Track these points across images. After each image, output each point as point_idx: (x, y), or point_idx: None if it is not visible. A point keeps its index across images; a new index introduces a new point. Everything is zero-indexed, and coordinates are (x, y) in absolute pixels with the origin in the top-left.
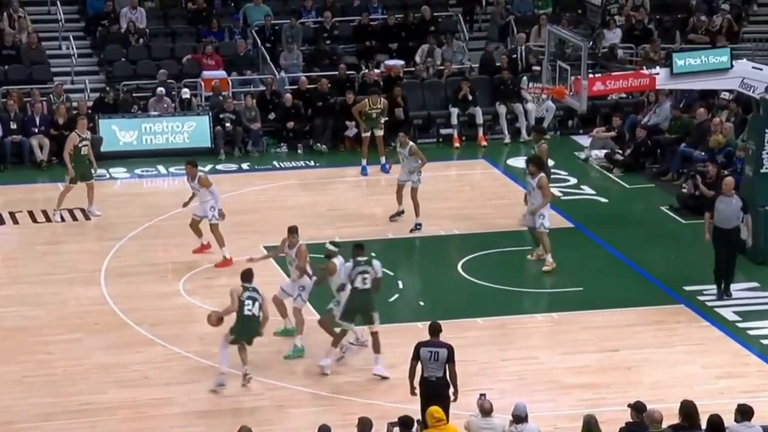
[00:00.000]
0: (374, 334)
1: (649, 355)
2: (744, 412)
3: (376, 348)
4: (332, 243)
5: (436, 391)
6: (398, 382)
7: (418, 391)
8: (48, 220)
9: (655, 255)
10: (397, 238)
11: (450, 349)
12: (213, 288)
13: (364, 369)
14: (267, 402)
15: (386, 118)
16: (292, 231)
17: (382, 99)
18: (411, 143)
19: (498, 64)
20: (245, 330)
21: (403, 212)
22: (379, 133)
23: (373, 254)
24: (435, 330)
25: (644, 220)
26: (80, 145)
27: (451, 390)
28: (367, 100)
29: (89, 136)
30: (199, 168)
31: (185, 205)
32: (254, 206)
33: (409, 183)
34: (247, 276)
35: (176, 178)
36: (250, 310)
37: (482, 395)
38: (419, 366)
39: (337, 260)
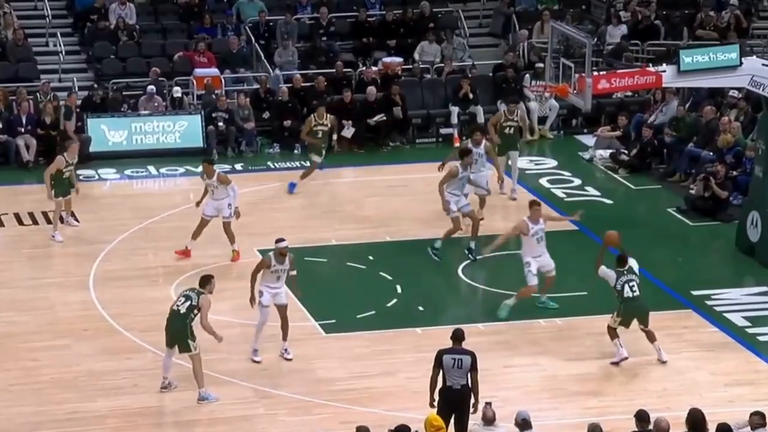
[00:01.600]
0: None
1: (656, 361)
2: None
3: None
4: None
5: (460, 399)
6: (396, 390)
7: (436, 401)
8: (35, 222)
9: (662, 258)
10: (395, 241)
11: (474, 357)
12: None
13: (362, 376)
14: (261, 410)
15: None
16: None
17: (328, 115)
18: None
19: (500, 61)
20: (167, 326)
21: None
22: (317, 159)
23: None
24: (458, 337)
25: (651, 222)
26: (64, 169)
27: (472, 400)
28: (312, 116)
29: (76, 161)
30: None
31: (198, 204)
32: (248, 208)
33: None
34: (203, 280)
35: (167, 179)
36: (177, 305)
37: (488, 404)
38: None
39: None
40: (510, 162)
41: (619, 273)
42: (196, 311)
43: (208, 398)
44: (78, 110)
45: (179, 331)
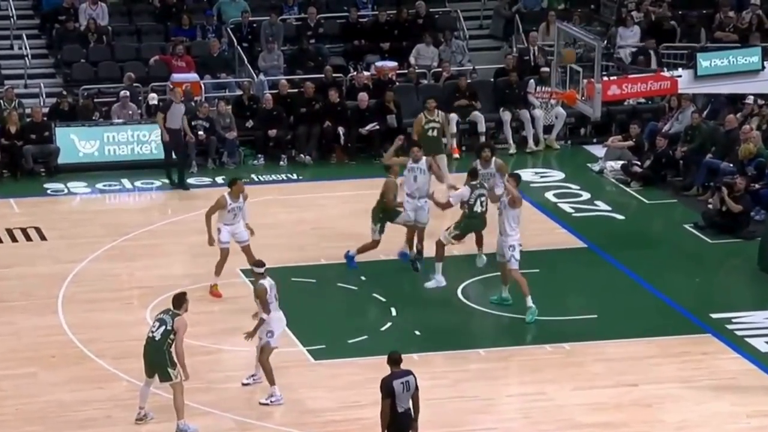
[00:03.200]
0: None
1: (672, 390)
2: (394, 361)
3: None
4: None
5: (407, 424)
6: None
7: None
8: None
9: (679, 278)
10: (389, 260)
11: (415, 376)
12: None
13: (353, 406)
14: None
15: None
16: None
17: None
18: (495, 158)
19: (502, 65)
20: (145, 355)
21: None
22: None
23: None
24: (397, 360)
25: (666, 239)
26: None
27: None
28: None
29: None
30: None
31: (212, 242)
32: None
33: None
34: (176, 300)
35: (142, 193)
36: (152, 332)
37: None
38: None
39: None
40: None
41: (473, 187)
42: (172, 336)
43: (188, 430)
44: (45, 119)
45: (157, 360)
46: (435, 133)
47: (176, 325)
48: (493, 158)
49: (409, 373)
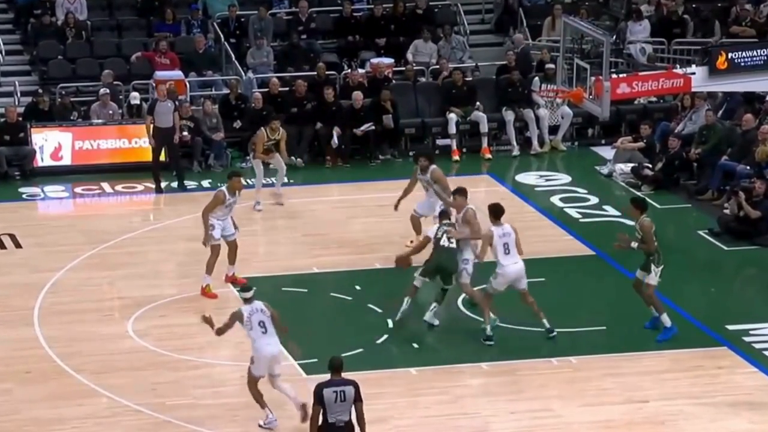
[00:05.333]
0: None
1: (686, 407)
2: (333, 368)
3: None
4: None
5: None
6: None
7: None
8: None
9: (693, 288)
10: (386, 269)
11: (356, 386)
12: (167, 328)
13: None
14: None
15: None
16: None
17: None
18: (434, 165)
19: (505, 62)
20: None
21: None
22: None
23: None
24: (336, 367)
25: (679, 246)
26: None
27: None
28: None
29: None
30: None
31: (206, 242)
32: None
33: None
34: None
35: (123, 197)
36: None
37: None
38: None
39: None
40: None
41: (440, 225)
42: None
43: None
44: (20, 119)
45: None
46: (270, 149)
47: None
48: (431, 167)
49: (348, 383)
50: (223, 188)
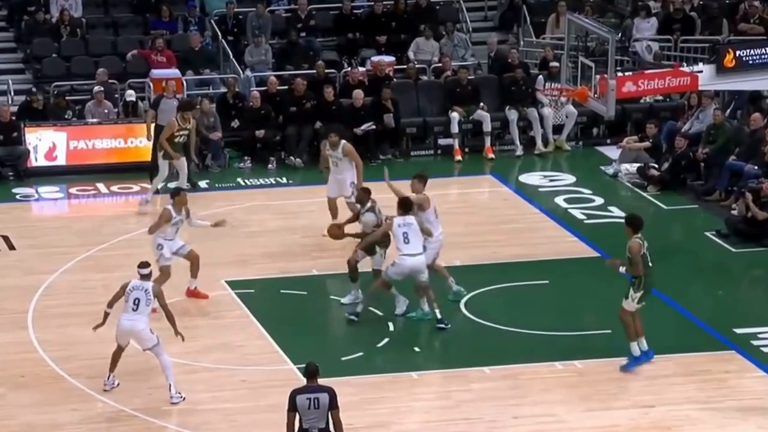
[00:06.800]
0: None
1: (693, 412)
2: (309, 373)
3: None
4: None
5: None
6: None
7: None
8: None
9: (700, 291)
10: None
11: (332, 393)
12: (164, 331)
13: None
14: None
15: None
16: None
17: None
18: (344, 140)
19: (509, 60)
20: None
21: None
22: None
23: None
24: (312, 372)
25: (686, 248)
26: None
27: None
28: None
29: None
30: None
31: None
32: (212, 233)
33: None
34: None
35: (119, 198)
36: None
37: None
38: (297, 418)
39: None
40: (178, 170)
41: (372, 209)
42: None
43: None
44: (13, 118)
45: None
46: (183, 140)
47: None
48: (342, 142)
49: (323, 389)
50: (169, 206)
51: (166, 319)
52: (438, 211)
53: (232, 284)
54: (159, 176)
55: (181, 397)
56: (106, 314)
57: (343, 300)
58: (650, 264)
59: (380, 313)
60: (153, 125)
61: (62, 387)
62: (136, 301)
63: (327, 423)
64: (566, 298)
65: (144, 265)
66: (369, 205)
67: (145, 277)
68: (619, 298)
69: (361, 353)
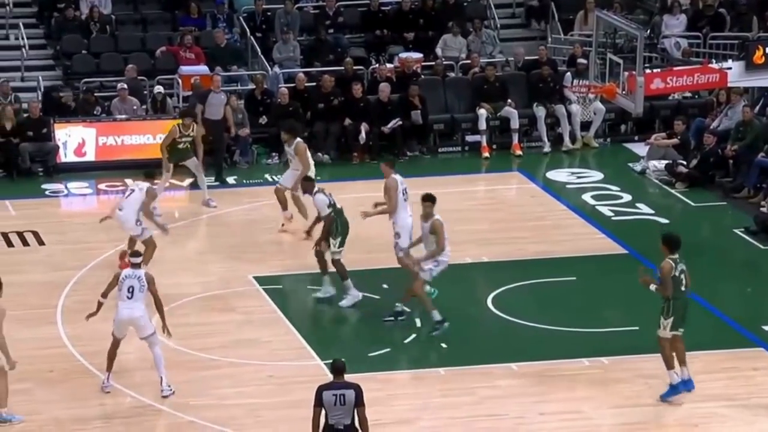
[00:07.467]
0: None
1: (720, 409)
2: (335, 370)
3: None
4: None
5: None
6: None
7: None
8: None
9: (728, 288)
10: None
11: (358, 390)
12: (191, 326)
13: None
14: None
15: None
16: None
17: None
18: (298, 139)
19: (536, 57)
20: None
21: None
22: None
23: None
24: (339, 369)
25: (714, 245)
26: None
27: None
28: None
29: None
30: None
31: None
32: (241, 229)
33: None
34: None
35: None
36: None
37: None
38: (323, 414)
39: None
40: (193, 170)
41: (321, 191)
42: None
43: (12, 420)
44: (42, 114)
45: None
46: (186, 146)
47: None
48: (295, 140)
49: (349, 386)
50: (153, 186)
51: (156, 307)
52: (406, 194)
53: (260, 280)
54: (199, 178)
55: (171, 390)
56: (100, 304)
57: (318, 294)
58: (683, 288)
59: (407, 310)
60: (201, 118)
61: (90, 382)
62: (131, 289)
63: (353, 420)
64: (593, 294)
65: (135, 254)
66: (316, 189)
67: (137, 266)
68: (647, 295)
69: (387, 349)
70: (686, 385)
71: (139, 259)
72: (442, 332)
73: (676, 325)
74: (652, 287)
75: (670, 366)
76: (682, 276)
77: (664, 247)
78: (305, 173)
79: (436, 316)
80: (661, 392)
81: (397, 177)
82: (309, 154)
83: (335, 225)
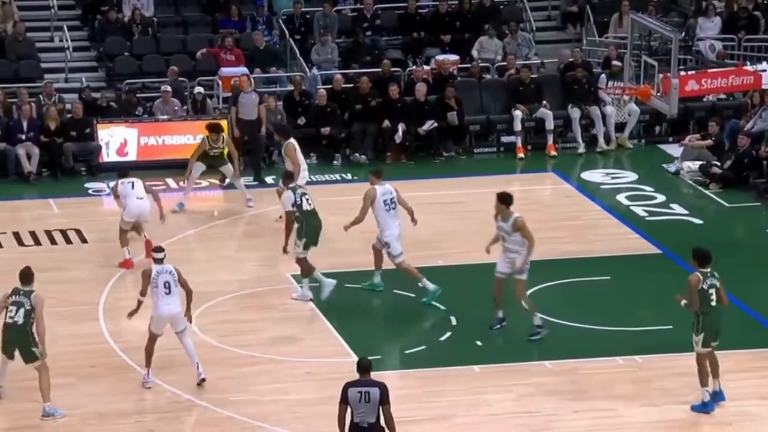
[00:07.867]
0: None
1: (753, 408)
2: (361, 368)
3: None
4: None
5: None
6: None
7: None
8: (37, 242)
9: (762, 288)
10: (448, 266)
11: (383, 389)
12: (229, 324)
13: (410, 421)
14: None
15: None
16: None
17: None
18: (290, 140)
19: (570, 59)
20: (5, 338)
21: None
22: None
23: None
24: (364, 367)
25: (748, 245)
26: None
27: None
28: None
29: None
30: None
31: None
32: (278, 228)
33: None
34: (24, 277)
35: (188, 193)
36: (12, 317)
37: None
38: (349, 411)
39: None
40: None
41: (293, 189)
42: (33, 315)
43: (55, 414)
44: (85, 114)
45: (21, 343)
46: (217, 153)
47: (34, 302)
48: (286, 142)
49: (374, 384)
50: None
51: (186, 297)
52: (391, 204)
53: (298, 278)
54: (235, 177)
55: (203, 376)
56: (140, 302)
57: (294, 295)
58: (713, 303)
59: (443, 308)
60: (235, 119)
61: (131, 377)
62: (167, 285)
63: (378, 418)
64: (627, 294)
65: (158, 249)
66: (292, 185)
67: (161, 261)
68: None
69: (423, 346)
70: (716, 398)
71: (162, 254)
72: (541, 338)
73: (707, 340)
74: (683, 302)
75: (704, 383)
76: (712, 291)
77: (695, 261)
78: (297, 172)
79: (537, 320)
80: (694, 397)
81: (380, 188)
82: (300, 153)
83: (300, 227)
